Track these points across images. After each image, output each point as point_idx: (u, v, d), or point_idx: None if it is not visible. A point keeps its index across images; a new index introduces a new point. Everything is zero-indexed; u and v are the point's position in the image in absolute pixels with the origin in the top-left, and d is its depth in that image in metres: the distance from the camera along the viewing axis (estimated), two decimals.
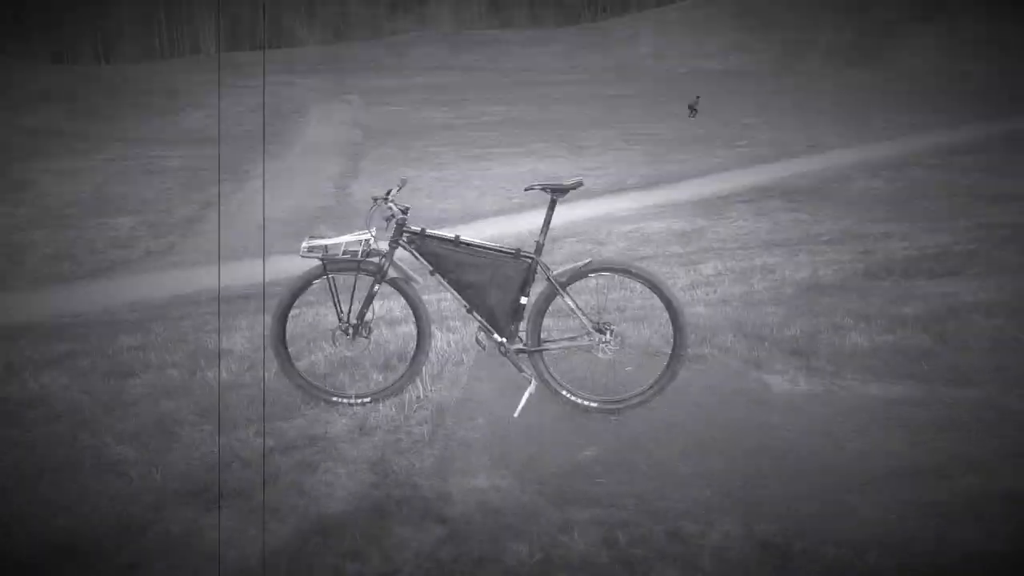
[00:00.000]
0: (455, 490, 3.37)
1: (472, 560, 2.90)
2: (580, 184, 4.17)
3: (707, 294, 8.83)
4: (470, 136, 33.86)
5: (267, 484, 3.44)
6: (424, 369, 4.45)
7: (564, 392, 4.14)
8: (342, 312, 4.18)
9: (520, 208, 23.54)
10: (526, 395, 4.05)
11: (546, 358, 4.18)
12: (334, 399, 4.21)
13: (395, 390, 4.25)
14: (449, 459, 3.63)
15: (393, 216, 4.07)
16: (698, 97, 40.06)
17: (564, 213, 22.72)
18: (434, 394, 4.28)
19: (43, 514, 3.26)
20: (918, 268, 9.97)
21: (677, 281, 10.56)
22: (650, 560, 2.94)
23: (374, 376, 4.62)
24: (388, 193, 4.13)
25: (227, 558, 2.92)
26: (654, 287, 4.09)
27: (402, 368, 4.61)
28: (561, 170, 28.40)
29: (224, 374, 4.99)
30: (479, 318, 4.14)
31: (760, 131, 34.13)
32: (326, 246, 4.05)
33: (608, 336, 4.11)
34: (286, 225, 22.73)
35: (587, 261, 4.12)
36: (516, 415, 4.01)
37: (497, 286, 4.05)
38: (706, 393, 4.40)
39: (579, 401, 4.13)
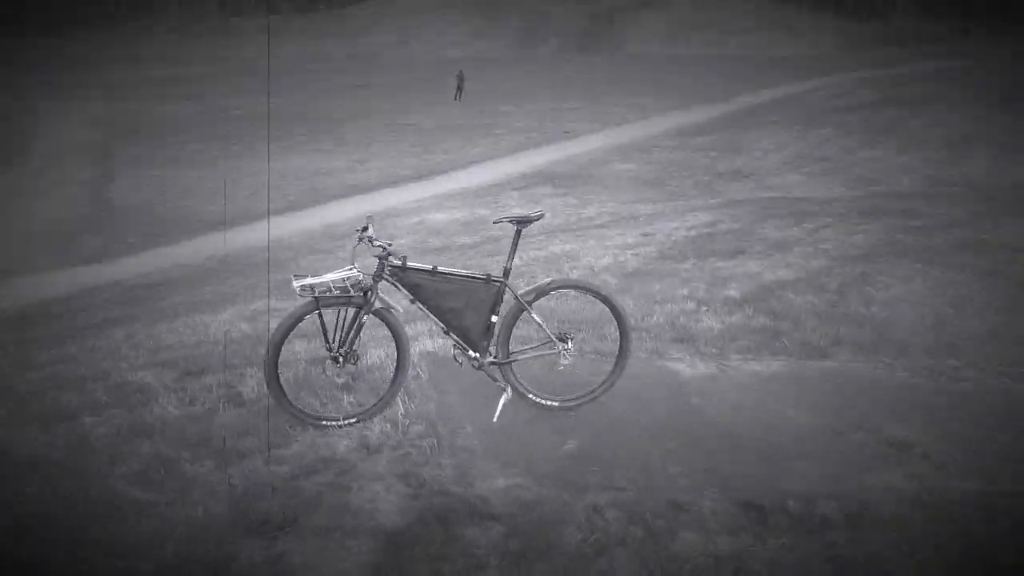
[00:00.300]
0: (486, 492, 3.91)
1: (542, 547, 3.47)
2: (543, 215, 4.77)
3: (530, 285, 9.60)
4: (226, 131, 32.90)
5: (311, 508, 3.81)
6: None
7: (531, 395, 4.75)
8: (331, 344, 4.53)
9: (296, 206, 23.47)
10: (501, 402, 4.63)
11: (514, 367, 4.77)
12: (323, 423, 4.56)
13: (378, 410, 4.66)
14: (464, 466, 4.15)
15: (387, 253, 4.48)
16: (461, 71, 41.19)
17: (348, 209, 22.88)
18: (414, 409, 4.74)
19: (127, 563, 3.45)
20: (703, 249, 11.29)
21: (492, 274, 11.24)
22: (672, 528, 3.65)
23: (344, 397, 4.98)
24: (365, 229, 4.52)
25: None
26: (604, 299, 4.80)
27: (366, 388, 5.03)
28: (331, 164, 28.43)
29: (172, 409, 5.15)
30: (455, 338, 4.65)
31: (515, 118, 35.72)
32: (313, 285, 4.39)
33: (569, 344, 4.78)
34: (47, 237, 21.37)
35: (549, 281, 4.77)
36: (495, 420, 4.58)
37: (472, 309, 4.58)
38: (632, 384, 5.15)
39: (543, 402, 4.76)
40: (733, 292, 8.13)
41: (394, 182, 25.76)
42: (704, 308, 7.45)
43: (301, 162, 28.42)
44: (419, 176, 26.46)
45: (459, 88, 40.31)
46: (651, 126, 33.29)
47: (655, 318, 6.99)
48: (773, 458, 4.37)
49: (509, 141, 31.17)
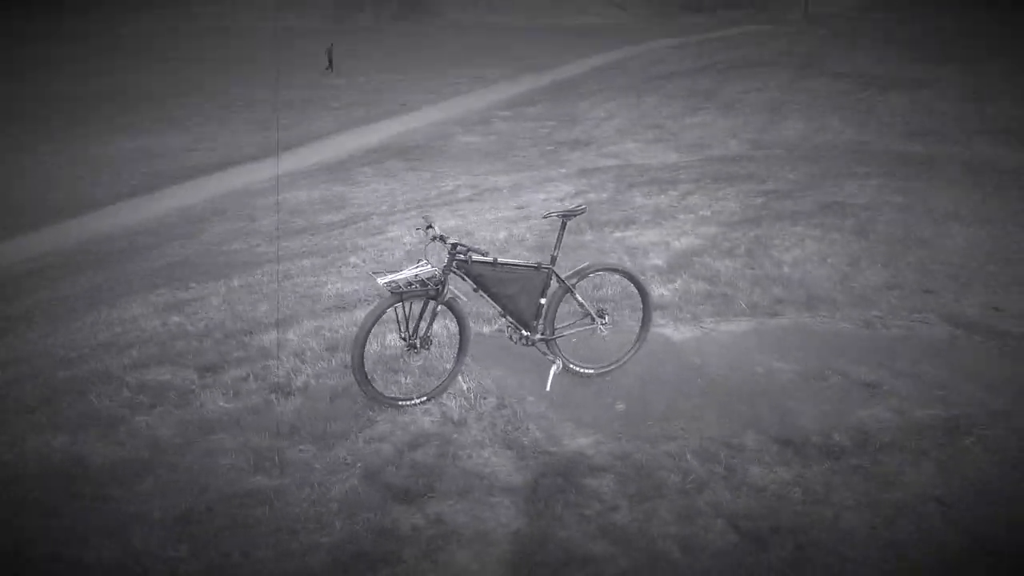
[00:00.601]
0: (579, 449, 4.60)
1: (654, 489, 4.21)
2: (585, 210, 5.43)
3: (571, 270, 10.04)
4: (45, 114, 31.04)
5: (437, 476, 4.36)
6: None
7: (572, 365, 5.44)
8: (406, 332, 5.02)
9: (140, 191, 22.75)
10: (552, 373, 5.30)
11: (559, 342, 5.44)
12: (400, 403, 5.07)
13: (443, 388, 5.22)
14: (547, 429, 4.82)
15: (467, 249, 5.01)
16: (332, 44, 40.75)
17: (197, 192, 22.34)
18: (473, 385, 5.33)
19: (306, 537, 3.91)
20: (592, 220, 12.12)
21: (384, 254, 11.66)
22: (741, 464, 4.48)
23: (401, 380, 5.49)
24: (431, 228, 5.05)
25: (495, 532, 3.93)
26: (632, 278, 5.56)
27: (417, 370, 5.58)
28: (166, 144, 27.50)
29: (223, 404, 5.49)
30: (511, 320, 5.27)
31: (347, 91, 35.61)
32: (397, 280, 4.86)
33: (606, 319, 5.50)
34: None
35: (587, 264, 5.46)
36: (548, 389, 5.26)
37: (526, 293, 5.21)
38: (641, 351, 5.92)
39: (581, 371, 5.47)
40: (657, 261, 9.05)
41: (238, 161, 25.32)
42: (642, 277, 8.30)
43: (134, 144, 27.35)
44: (263, 154, 26.10)
45: (330, 60, 39.97)
46: (484, 96, 34.09)
47: (601, 291, 7.75)
48: (778, 402, 5.29)
49: (347, 115, 31.15)
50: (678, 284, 7.89)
